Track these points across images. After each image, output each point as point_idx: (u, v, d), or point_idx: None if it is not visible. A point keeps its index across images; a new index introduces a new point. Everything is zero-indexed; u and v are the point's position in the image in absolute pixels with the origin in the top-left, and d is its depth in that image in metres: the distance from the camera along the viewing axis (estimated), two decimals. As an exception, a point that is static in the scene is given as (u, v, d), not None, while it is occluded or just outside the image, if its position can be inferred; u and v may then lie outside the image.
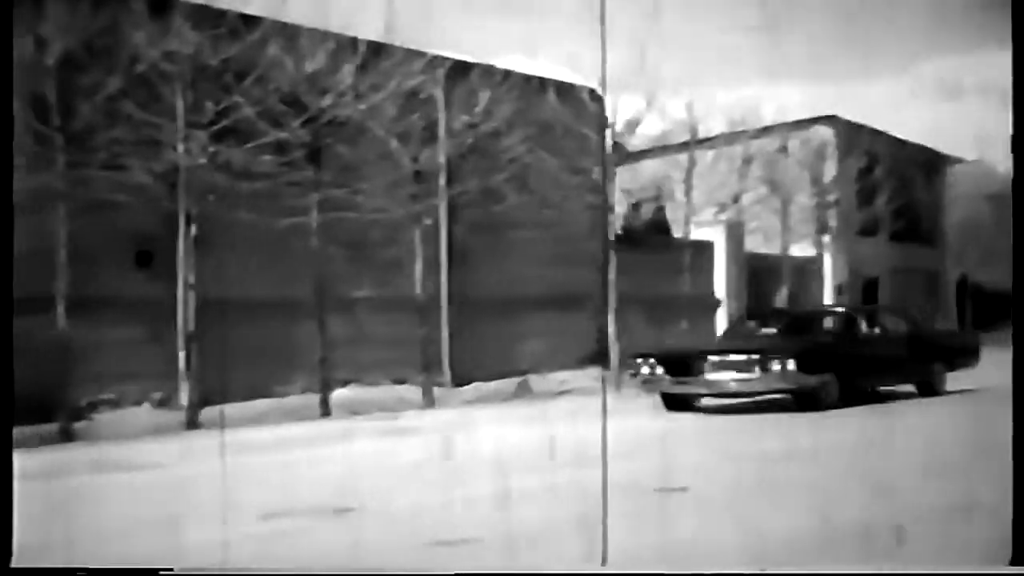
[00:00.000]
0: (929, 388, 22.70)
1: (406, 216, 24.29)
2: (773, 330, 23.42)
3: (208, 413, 20.51)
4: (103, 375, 20.60)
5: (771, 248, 35.74)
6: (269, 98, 21.36)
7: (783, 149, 36.23)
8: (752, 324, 24.57)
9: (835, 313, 24.89)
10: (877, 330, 23.51)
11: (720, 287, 34.78)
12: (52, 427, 18.82)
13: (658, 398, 21.51)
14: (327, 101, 22.00)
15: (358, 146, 23.41)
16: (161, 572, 8.10)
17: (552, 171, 27.26)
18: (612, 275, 28.11)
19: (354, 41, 22.22)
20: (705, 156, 32.02)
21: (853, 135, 39.17)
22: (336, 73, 21.99)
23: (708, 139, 32.15)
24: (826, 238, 38.43)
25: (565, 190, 27.75)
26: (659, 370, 21.21)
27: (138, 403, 21.08)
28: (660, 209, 34.49)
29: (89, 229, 19.88)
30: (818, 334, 22.70)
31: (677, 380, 21.04)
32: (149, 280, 21.47)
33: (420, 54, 23.42)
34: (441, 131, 25.22)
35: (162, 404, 21.09)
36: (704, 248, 33.52)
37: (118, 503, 13.02)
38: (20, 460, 15.95)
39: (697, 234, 32.15)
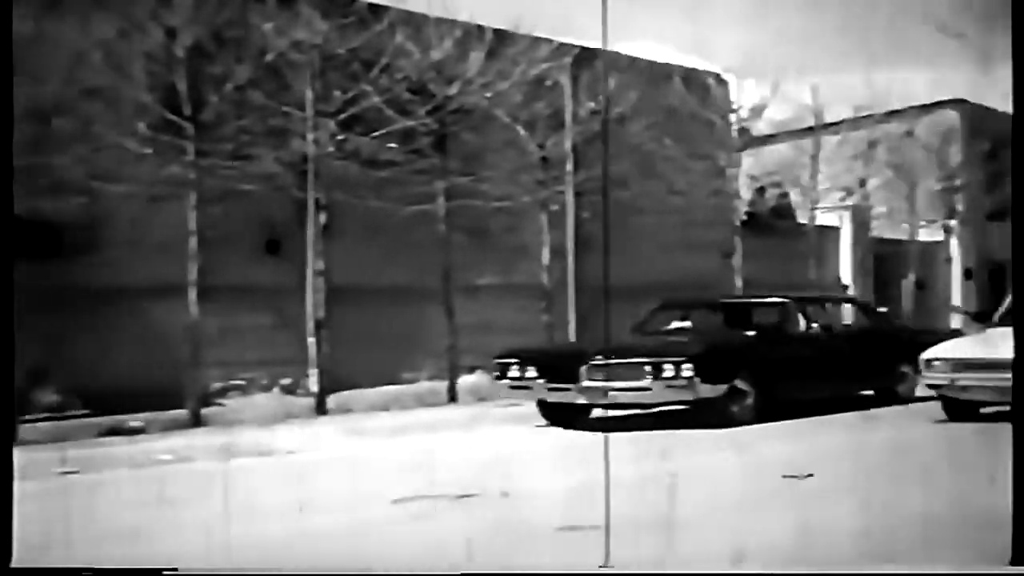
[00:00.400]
0: (891, 395, 19.69)
1: (532, 203, 24.33)
2: (687, 325, 19.94)
3: (336, 399, 20.69)
4: (233, 361, 20.83)
5: (897, 233, 35.36)
6: (396, 87, 21.49)
7: (909, 133, 35.76)
8: (666, 316, 20.43)
9: (768, 304, 20.26)
10: (816, 325, 19.73)
11: (846, 272, 34.47)
12: (182, 412, 19.06)
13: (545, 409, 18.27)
14: (453, 89, 22.08)
15: (484, 133, 23.52)
16: (165, 572, 8.11)
17: (678, 157, 27.14)
18: (738, 261, 28.00)
19: (480, 29, 22.28)
20: (831, 141, 31.73)
21: (980, 118, 38.61)
22: (462, 61, 22.07)
23: (834, 123, 31.85)
24: (953, 222, 37.89)
25: (691, 176, 27.63)
26: (530, 372, 17.98)
27: (267, 389, 21.29)
28: (785, 194, 34.21)
29: (219, 218, 20.09)
30: (737, 331, 19.40)
31: (552, 386, 17.81)
32: (278, 267, 21.69)
33: (546, 41, 23.44)
34: (567, 118, 25.20)
35: (290, 390, 21.27)
36: (830, 233, 33.25)
37: (244, 488, 13.15)
38: (150, 444, 16.29)
39: (823, 219, 31.89)
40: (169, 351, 19.71)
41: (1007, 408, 16.21)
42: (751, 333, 19.15)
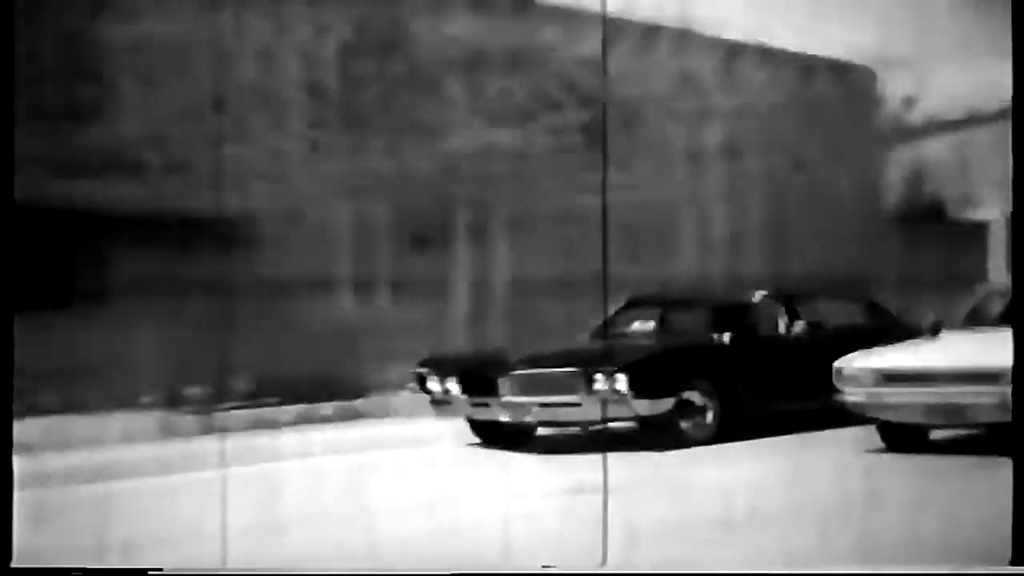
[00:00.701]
0: None
1: (681, 198, 24.32)
2: (650, 326, 17.22)
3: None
4: (385, 355, 21.11)
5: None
6: (545, 82, 21.64)
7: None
8: (634, 315, 17.68)
9: (742, 302, 17.41)
10: (799, 327, 16.43)
11: (1003, 267, 33.96)
12: (365, 402, 19.47)
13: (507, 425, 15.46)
14: (602, 84, 22.15)
15: (633, 128, 23.54)
16: (161, 572, 8.22)
17: (826, 151, 26.96)
18: (888, 256, 27.75)
19: (629, 24, 22.37)
20: (986, 132, 31.33)
21: None
22: (611, 55, 22.13)
23: (989, 115, 31.45)
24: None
25: (839, 170, 27.44)
26: (453, 385, 15.49)
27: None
28: (938, 188, 33.82)
29: (370, 213, 20.40)
30: (704, 333, 16.48)
31: (475, 401, 15.29)
32: (432, 262, 21.89)
33: (695, 35, 23.45)
34: (715, 112, 25.16)
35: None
36: (986, 228, 32.80)
37: (394, 479, 13.47)
38: (309, 436, 16.60)
39: (979, 213, 31.49)
40: (327, 344, 20.06)
41: (966, 431, 14.05)
42: (716, 336, 16.13)
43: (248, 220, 19.56)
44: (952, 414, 13.35)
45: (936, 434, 14.22)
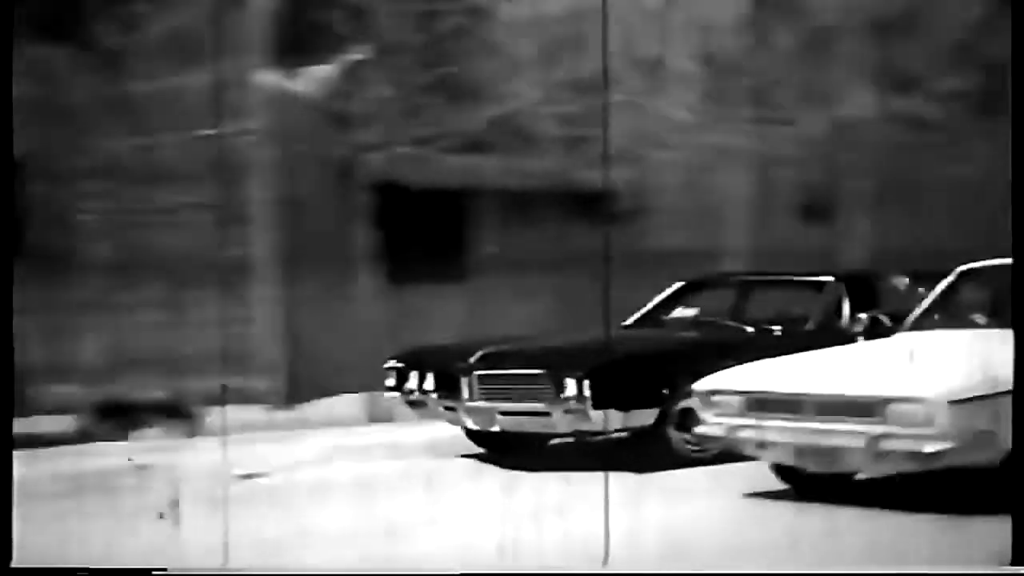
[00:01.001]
0: None
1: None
2: (691, 313, 14.50)
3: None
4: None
5: None
6: (935, 48, 21.19)
7: None
8: (681, 301, 14.90)
9: (805, 283, 14.14)
10: (862, 319, 12.78)
11: None
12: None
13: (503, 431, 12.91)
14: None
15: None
16: (156, 572, 8.06)
17: None
18: None
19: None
20: None
21: None
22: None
23: None
24: None
25: None
26: (428, 383, 13.10)
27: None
28: None
29: (759, 184, 20.32)
30: (733, 325, 13.79)
31: (445, 404, 12.92)
32: (816, 234, 21.66)
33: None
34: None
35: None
36: None
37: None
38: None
39: None
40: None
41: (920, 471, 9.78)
42: (753, 328, 13.50)
43: (639, 192, 19.68)
44: (824, 457, 9.75)
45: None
